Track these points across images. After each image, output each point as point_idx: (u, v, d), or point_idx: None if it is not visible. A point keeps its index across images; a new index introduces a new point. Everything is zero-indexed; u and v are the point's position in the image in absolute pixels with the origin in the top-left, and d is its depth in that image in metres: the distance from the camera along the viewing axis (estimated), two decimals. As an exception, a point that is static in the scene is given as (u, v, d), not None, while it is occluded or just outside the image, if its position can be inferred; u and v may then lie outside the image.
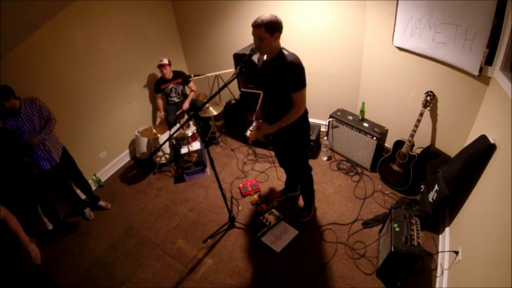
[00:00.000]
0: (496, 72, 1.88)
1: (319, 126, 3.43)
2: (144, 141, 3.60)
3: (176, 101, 3.70)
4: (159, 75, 3.72)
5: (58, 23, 2.76)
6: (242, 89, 3.32)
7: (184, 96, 3.77)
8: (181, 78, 3.66)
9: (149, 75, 3.92)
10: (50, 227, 2.91)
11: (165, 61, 3.46)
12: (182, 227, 2.78)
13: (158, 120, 3.76)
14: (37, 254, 1.82)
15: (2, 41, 2.19)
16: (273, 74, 1.88)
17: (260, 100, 2.27)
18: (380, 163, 2.87)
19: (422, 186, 2.61)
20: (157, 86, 3.60)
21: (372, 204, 2.70)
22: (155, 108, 4.15)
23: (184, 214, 2.91)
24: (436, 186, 2.22)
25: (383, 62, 2.80)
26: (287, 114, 1.92)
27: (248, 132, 2.06)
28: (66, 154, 2.79)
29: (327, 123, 3.23)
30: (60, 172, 2.73)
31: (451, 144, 2.45)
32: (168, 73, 3.52)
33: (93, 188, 3.34)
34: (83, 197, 3.15)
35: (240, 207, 2.88)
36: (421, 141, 2.69)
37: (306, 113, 2.07)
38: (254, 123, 2.04)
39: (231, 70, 3.58)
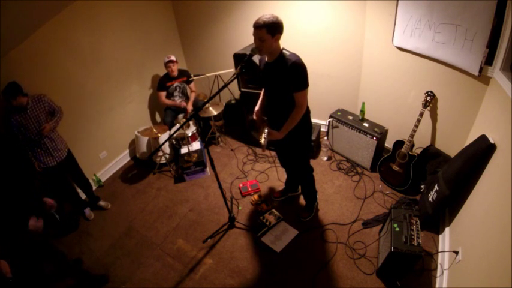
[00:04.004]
0: (496, 72, 1.88)
1: (319, 126, 3.44)
2: (144, 141, 3.60)
3: (178, 100, 3.69)
4: (160, 74, 3.72)
5: (59, 23, 2.76)
6: (242, 89, 3.32)
7: (186, 96, 3.77)
8: (186, 76, 3.65)
9: (149, 75, 3.92)
10: None
11: (173, 58, 3.46)
12: (182, 227, 2.78)
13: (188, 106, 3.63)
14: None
15: (2, 40, 2.19)
16: (277, 76, 1.89)
17: (260, 100, 2.27)
18: (380, 163, 2.87)
19: (422, 186, 2.61)
20: (161, 83, 3.56)
21: (372, 204, 2.70)
22: (155, 109, 4.15)
23: (184, 214, 2.91)
24: (436, 186, 2.22)
25: (383, 62, 2.80)
26: (291, 116, 1.94)
27: (263, 140, 2.06)
28: (69, 153, 2.81)
29: (327, 123, 3.24)
30: (63, 170, 2.75)
31: (451, 144, 2.45)
32: (175, 70, 3.51)
33: (93, 188, 3.34)
34: (83, 196, 3.15)
35: (240, 207, 2.88)
36: (421, 141, 2.69)
37: (308, 112, 2.07)
38: (266, 130, 2.05)
39: (231, 70, 3.58)
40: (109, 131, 3.54)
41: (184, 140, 3.40)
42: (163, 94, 3.60)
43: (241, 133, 3.86)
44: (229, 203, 2.87)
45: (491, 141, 1.80)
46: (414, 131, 2.46)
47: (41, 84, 2.74)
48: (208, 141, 3.87)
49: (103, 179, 3.52)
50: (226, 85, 1.91)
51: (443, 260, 2.06)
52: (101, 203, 3.14)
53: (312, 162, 3.23)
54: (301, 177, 2.47)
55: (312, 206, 2.63)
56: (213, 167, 2.26)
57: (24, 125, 2.41)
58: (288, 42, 2.08)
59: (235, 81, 3.17)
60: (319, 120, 3.57)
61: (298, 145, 2.18)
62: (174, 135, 3.21)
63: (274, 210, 2.72)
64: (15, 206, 1.98)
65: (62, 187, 2.84)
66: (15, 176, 2.48)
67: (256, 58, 2.12)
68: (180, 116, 3.75)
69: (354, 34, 2.89)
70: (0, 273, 1.60)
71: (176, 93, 3.67)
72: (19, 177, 2.50)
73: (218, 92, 2.07)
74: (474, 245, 1.71)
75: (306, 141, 2.24)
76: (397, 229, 1.92)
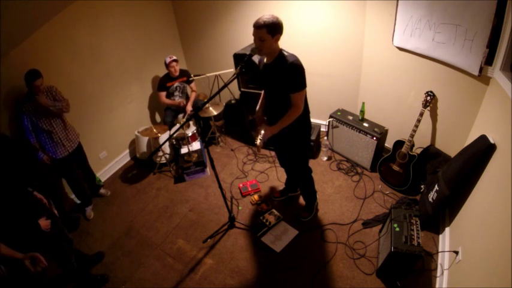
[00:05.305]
0: (496, 72, 1.88)
1: (319, 126, 3.43)
2: (144, 141, 3.60)
3: (178, 100, 3.69)
4: (159, 74, 3.72)
5: (59, 23, 2.76)
6: (242, 89, 3.32)
7: (186, 96, 3.77)
8: (186, 76, 3.65)
9: (149, 76, 3.92)
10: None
11: (175, 57, 3.46)
12: (182, 227, 2.78)
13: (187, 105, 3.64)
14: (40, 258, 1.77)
15: (2, 40, 2.19)
16: (275, 76, 1.90)
17: (260, 101, 2.28)
18: (380, 163, 2.87)
19: (422, 186, 2.61)
20: (162, 83, 3.56)
21: (372, 204, 2.70)
22: (155, 109, 4.15)
23: (184, 214, 2.91)
24: (436, 186, 2.22)
25: (383, 62, 2.80)
26: (286, 115, 1.94)
27: (258, 142, 2.06)
28: (79, 144, 2.88)
29: (327, 123, 3.24)
30: (72, 161, 2.82)
31: (451, 144, 2.45)
32: (177, 70, 3.51)
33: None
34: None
35: (240, 207, 2.88)
36: (421, 141, 2.69)
37: (307, 113, 2.08)
38: (262, 132, 2.05)
39: (231, 70, 3.58)
40: (109, 131, 3.53)
41: (184, 140, 3.40)
42: (163, 94, 3.60)
43: (241, 133, 3.86)
44: (229, 203, 2.87)
45: (491, 141, 1.80)
46: (414, 131, 2.46)
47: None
48: (208, 141, 3.87)
49: (103, 179, 3.51)
50: (226, 85, 1.91)
51: (443, 260, 2.06)
52: (102, 190, 3.27)
53: (312, 162, 3.27)
54: (299, 177, 2.48)
55: (311, 206, 2.63)
56: (213, 167, 2.26)
57: (36, 113, 2.45)
58: (288, 42, 2.08)
59: (235, 81, 3.17)
60: (319, 120, 3.57)
61: (296, 146, 2.19)
62: (174, 135, 3.20)
63: (274, 210, 2.72)
64: (20, 203, 1.99)
65: (70, 178, 2.88)
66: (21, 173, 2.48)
67: (256, 58, 2.13)
68: (180, 116, 3.75)
69: (354, 34, 2.89)
70: (39, 264, 1.60)
71: (176, 93, 3.67)
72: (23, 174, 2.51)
73: (218, 92, 2.07)
74: (474, 245, 1.71)
75: (305, 142, 2.24)
76: (397, 229, 1.92)
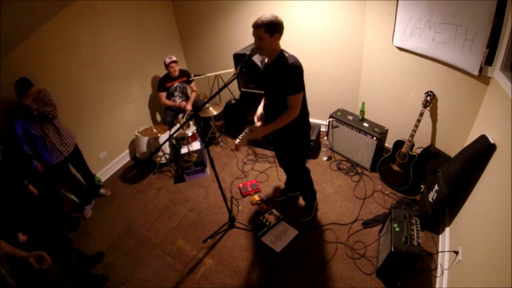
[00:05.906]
0: (496, 72, 1.88)
1: (319, 126, 3.43)
2: (144, 141, 3.60)
3: (178, 100, 3.69)
4: (159, 75, 3.72)
5: (60, 23, 2.76)
6: (242, 89, 3.32)
7: (186, 96, 3.78)
8: (186, 76, 3.65)
9: (149, 75, 3.92)
10: None
11: (175, 58, 3.46)
12: (182, 227, 2.78)
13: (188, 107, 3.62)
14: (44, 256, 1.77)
15: (2, 41, 2.19)
16: (274, 77, 1.90)
17: (263, 101, 2.27)
18: (380, 163, 2.87)
19: (422, 186, 2.61)
20: (162, 84, 3.55)
21: (372, 204, 2.70)
22: (155, 109, 4.15)
23: (184, 214, 2.91)
24: (436, 186, 2.22)
25: (383, 62, 2.80)
26: (281, 116, 1.91)
27: (237, 141, 2.04)
28: (76, 147, 2.85)
29: (327, 123, 3.23)
30: (71, 164, 2.84)
31: (451, 144, 2.45)
32: (176, 71, 3.50)
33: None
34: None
35: (240, 207, 2.88)
36: (421, 141, 2.69)
37: (306, 114, 2.07)
38: (246, 130, 2.04)
39: (231, 70, 3.58)
40: (109, 131, 3.54)
41: (184, 140, 3.40)
42: (163, 95, 3.60)
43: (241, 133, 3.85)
44: (229, 203, 2.87)
45: (491, 141, 1.80)
46: (414, 131, 2.46)
47: (41, 85, 2.73)
48: (208, 141, 3.87)
49: (103, 179, 3.51)
50: (226, 85, 1.91)
51: (443, 260, 2.06)
52: (102, 190, 3.26)
53: (312, 162, 3.27)
54: (297, 178, 2.48)
55: (311, 206, 2.63)
56: (213, 167, 2.26)
57: (27, 120, 2.42)
58: (289, 43, 2.08)
59: (235, 81, 3.17)
60: (319, 120, 3.57)
61: (294, 147, 2.18)
62: (174, 135, 3.20)
63: (274, 210, 2.72)
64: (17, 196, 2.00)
65: (68, 182, 2.88)
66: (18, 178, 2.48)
67: (257, 60, 2.13)
68: (180, 116, 3.75)
69: (354, 34, 2.89)
70: (44, 262, 1.60)
71: (176, 94, 3.67)
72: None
73: (218, 92, 2.07)
74: (474, 245, 1.71)
75: (303, 144, 2.23)
76: (397, 229, 1.92)
